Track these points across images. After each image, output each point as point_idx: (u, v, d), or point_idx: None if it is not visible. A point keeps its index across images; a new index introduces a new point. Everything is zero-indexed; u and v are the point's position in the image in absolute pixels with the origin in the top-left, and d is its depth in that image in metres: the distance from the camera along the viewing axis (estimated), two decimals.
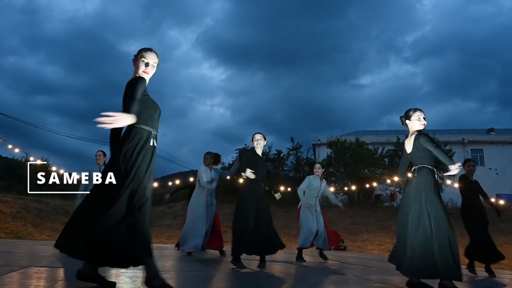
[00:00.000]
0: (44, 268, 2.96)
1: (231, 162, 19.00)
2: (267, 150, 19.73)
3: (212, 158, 5.33)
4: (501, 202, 12.05)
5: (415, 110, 2.96)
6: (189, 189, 6.88)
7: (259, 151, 4.07)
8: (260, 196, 3.89)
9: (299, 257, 5.23)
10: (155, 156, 2.24)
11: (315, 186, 5.44)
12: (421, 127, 2.92)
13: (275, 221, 14.48)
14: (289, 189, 13.91)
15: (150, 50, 2.30)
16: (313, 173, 5.54)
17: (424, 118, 2.94)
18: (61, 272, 2.85)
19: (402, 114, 3.06)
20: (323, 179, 5.61)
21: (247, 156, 4.06)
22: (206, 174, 5.26)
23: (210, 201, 5.27)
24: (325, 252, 5.61)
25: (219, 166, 5.64)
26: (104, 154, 5.25)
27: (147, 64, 2.24)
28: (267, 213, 3.89)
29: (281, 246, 3.89)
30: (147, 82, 2.27)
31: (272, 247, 3.84)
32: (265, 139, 4.11)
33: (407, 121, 2.99)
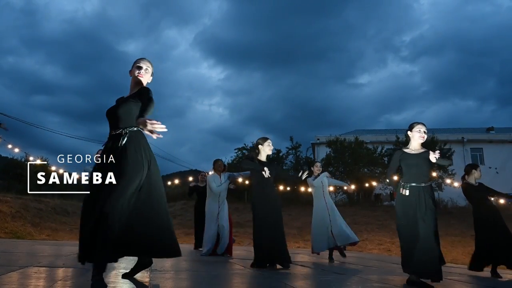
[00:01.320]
0: (44, 268, 2.96)
1: (230, 161, 19.00)
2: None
3: (221, 166, 5.46)
4: (501, 201, 12.08)
5: (418, 123, 3.21)
6: (196, 194, 6.89)
7: (264, 157, 4.00)
8: (275, 202, 3.83)
9: (330, 257, 5.38)
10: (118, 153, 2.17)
11: (316, 186, 5.40)
12: (420, 140, 3.15)
13: None
14: (288, 188, 13.93)
15: (142, 58, 2.48)
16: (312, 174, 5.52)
17: (424, 132, 3.15)
18: (60, 272, 2.84)
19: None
20: (324, 173, 5.54)
21: (255, 164, 3.96)
22: (215, 181, 5.34)
23: (221, 208, 5.31)
24: (326, 253, 5.60)
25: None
26: None
27: (139, 68, 2.42)
28: (281, 222, 3.86)
29: (287, 261, 3.80)
30: (143, 85, 2.43)
31: (282, 259, 3.78)
32: None
33: (408, 132, 3.24)
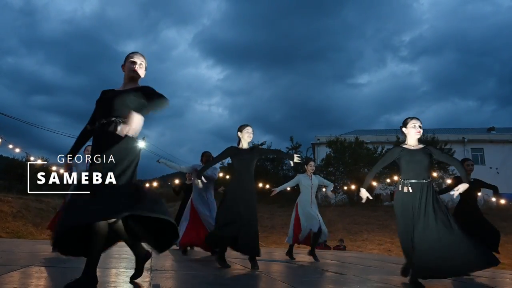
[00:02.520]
0: (45, 268, 2.97)
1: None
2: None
3: (209, 157, 5.36)
4: (502, 201, 12.03)
5: (412, 118, 3.12)
6: (183, 191, 6.90)
7: (245, 145, 3.85)
8: (249, 195, 3.67)
9: (289, 253, 5.44)
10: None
11: (306, 184, 5.48)
12: (416, 135, 3.07)
13: (275, 220, 14.41)
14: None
15: (136, 52, 2.40)
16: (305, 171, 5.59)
17: (420, 127, 3.07)
18: (61, 272, 2.85)
19: (401, 113, 3.19)
20: (316, 176, 5.65)
21: (229, 153, 3.84)
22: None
23: (208, 199, 5.24)
24: (326, 253, 5.63)
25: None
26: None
27: (134, 62, 2.35)
28: (253, 214, 3.65)
29: (255, 253, 3.61)
30: (138, 79, 2.39)
31: (246, 250, 3.62)
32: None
33: (403, 129, 3.15)
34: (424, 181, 2.97)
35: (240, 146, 3.90)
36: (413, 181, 2.97)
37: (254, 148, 3.97)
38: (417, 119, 3.10)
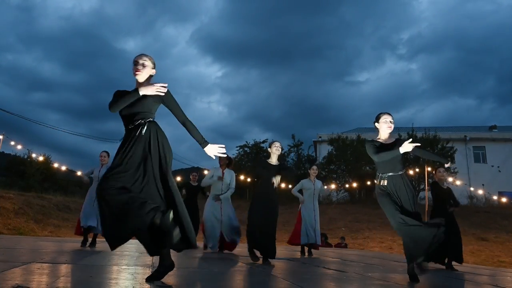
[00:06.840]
0: (46, 264, 2.97)
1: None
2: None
3: (227, 160, 5.41)
4: (504, 199, 12.01)
5: (384, 113, 3.24)
6: (186, 190, 6.95)
7: (274, 159, 4.29)
8: (273, 201, 4.17)
9: (302, 252, 5.72)
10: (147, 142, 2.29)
11: (308, 189, 5.78)
12: (388, 130, 3.19)
13: None
14: (290, 186, 13.92)
15: (139, 54, 2.41)
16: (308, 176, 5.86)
17: (391, 122, 3.18)
18: (63, 268, 2.86)
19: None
20: (319, 180, 5.92)
21: (262, 166, 4.31)
22: (215, 174, 5.36)
23: (223, 207, 5.33)
24: (328, 250, 5.71)
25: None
26: (108, 155, 5.41)
27: (135, 63, 2.36)
28: (275, 218, 4.17)
29: (271, 255, 4.08)
30: (141, 80, 2.38)
31: (267, 252, 4.10)
32: (282, 149, 4.43)
33: (376, 124, 3.27)
34: (400, 173, 3.08)
35: (270, 160, 4.31)
36: (390, 174, 3.07)
37: (281, 164, 4.37)
38: (389, 114, 3.23)
